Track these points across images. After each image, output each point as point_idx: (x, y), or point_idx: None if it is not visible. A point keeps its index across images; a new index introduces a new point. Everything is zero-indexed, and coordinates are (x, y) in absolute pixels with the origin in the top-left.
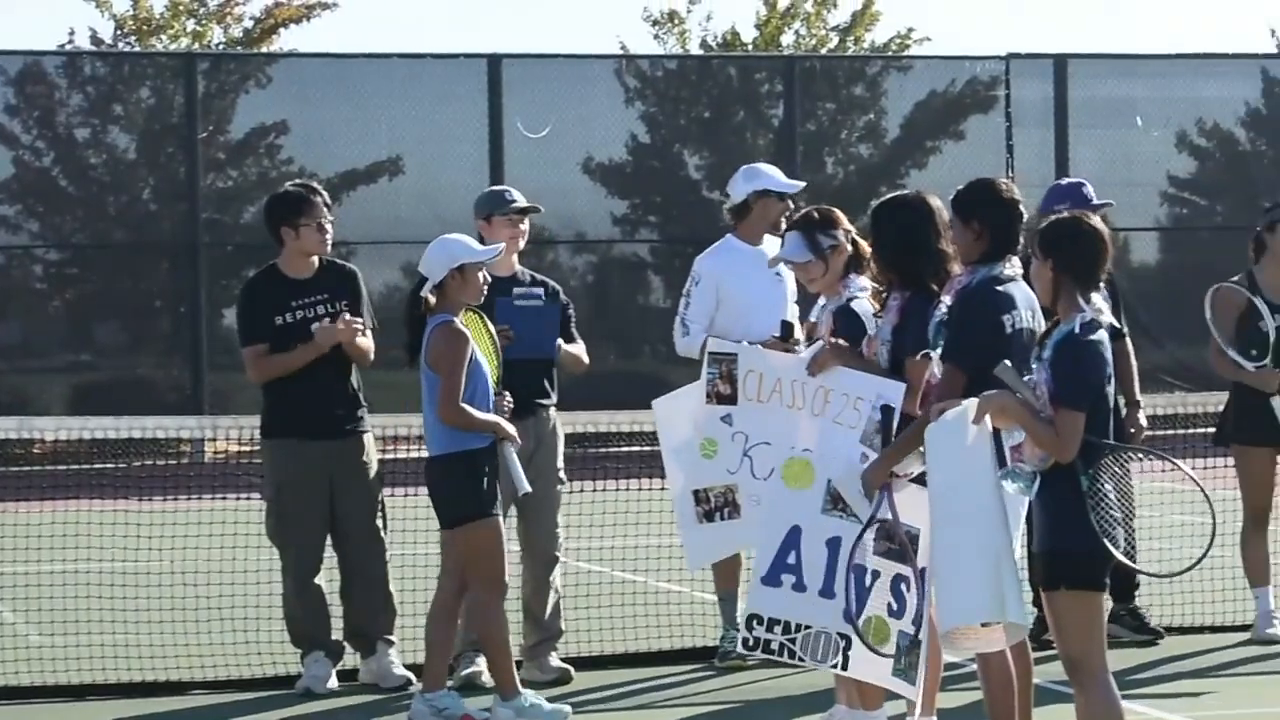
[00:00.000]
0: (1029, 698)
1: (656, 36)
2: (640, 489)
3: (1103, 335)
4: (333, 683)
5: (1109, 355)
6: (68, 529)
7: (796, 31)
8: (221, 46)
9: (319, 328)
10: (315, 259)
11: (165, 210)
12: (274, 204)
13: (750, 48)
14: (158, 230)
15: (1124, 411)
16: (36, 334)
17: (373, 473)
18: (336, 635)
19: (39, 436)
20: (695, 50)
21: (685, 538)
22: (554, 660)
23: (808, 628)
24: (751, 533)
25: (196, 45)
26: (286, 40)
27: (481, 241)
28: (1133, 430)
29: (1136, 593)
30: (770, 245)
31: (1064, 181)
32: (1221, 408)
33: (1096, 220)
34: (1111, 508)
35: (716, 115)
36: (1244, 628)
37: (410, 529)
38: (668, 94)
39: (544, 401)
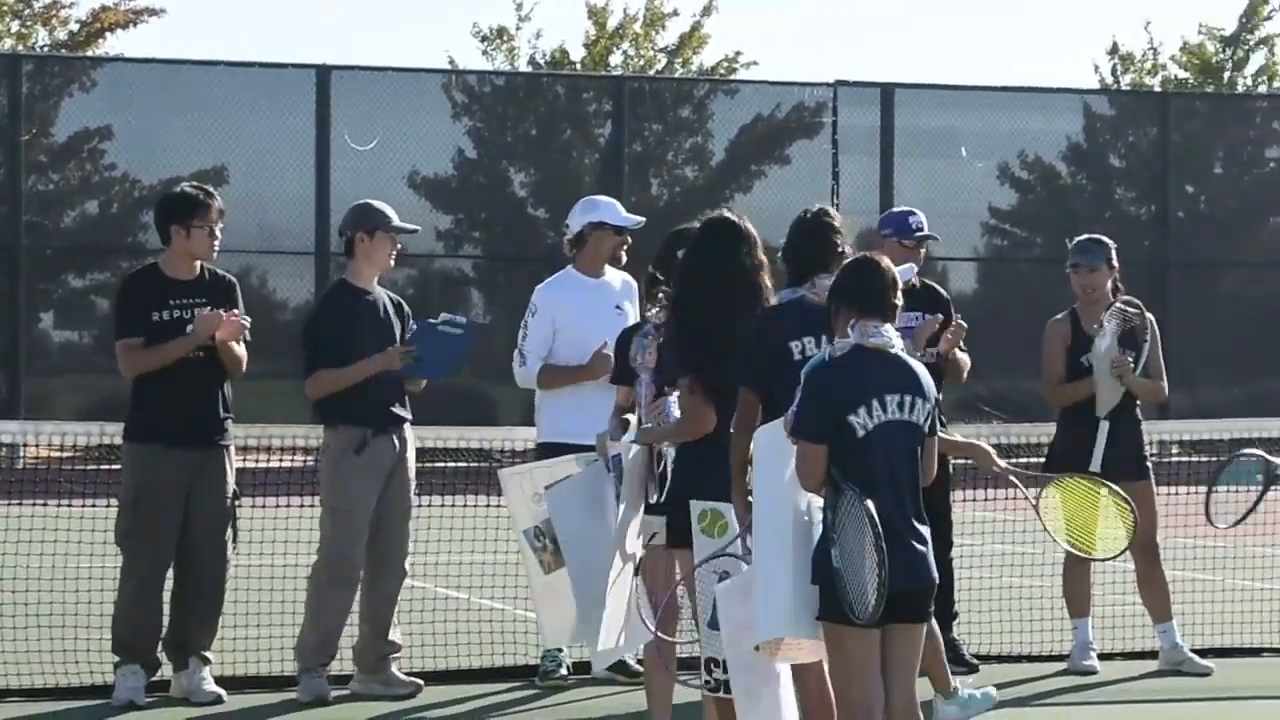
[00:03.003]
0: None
1: (485, 53)
2: (464, 505)
3: (859, 364)
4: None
5: (865, 385)
6: None
7: (625, 52)
8: (46, 48)
9: (200, 316)
10: (198, 263)
11: None
12: (169, 202)
13: (579, 67)
14: None
15: None
16: None
17: (230, 486)
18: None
19: None
20: (524, 67)
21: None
22: (401, 674)
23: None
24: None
25: (21, 46)
26: (113, 45)
27: (350, 254)
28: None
29: (955, 623)
30: (612, 276)
31: (896, 209)
32: (1042, 438)
33: (881, 256)
34: (853, 548)
35: (544, 133)
36: (1061, 658)
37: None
38: (495, 110)
39: (406, 416)
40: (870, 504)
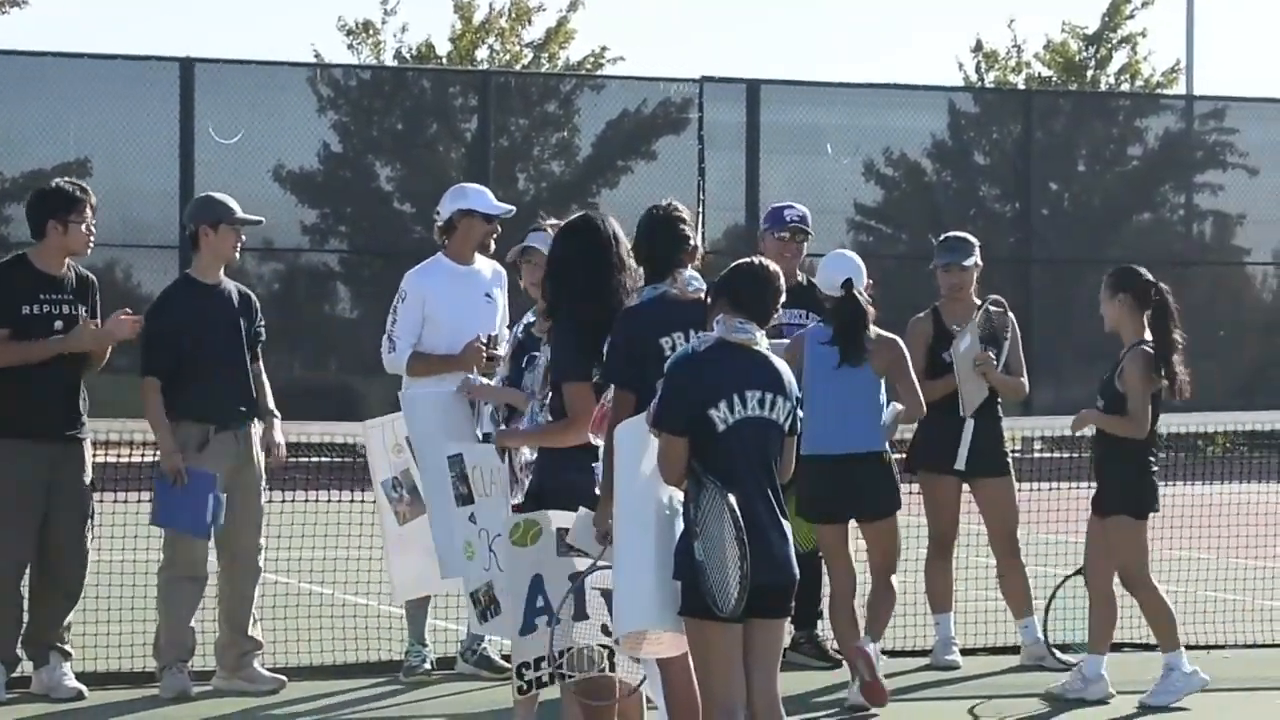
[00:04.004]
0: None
1: (351, 46)
2: (328, 500)
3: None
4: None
5: (726, 379)
6: None
7: (491, 46)
8: None
9: (88, 329)
10: (67, 260)
11: None
12: (46, 197)
13: (444, 61)
14: None
15: None
16: None
17: (88, 480)
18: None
19: None
20: (390, 61)
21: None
22: (263, 670)
23: (569, 649)
24: (512, 626)
25: None
26: None
27: (195, 248)
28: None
29: (819, 621)
30: (482, 264)
31: (777, 204)
32: (905, 434)
33: (769, 263)
34: (714, 542)
35: (409, 127)
36: (924, 653)
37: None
38: (361, 104)
39: (250, 413)
40: (731, 498)
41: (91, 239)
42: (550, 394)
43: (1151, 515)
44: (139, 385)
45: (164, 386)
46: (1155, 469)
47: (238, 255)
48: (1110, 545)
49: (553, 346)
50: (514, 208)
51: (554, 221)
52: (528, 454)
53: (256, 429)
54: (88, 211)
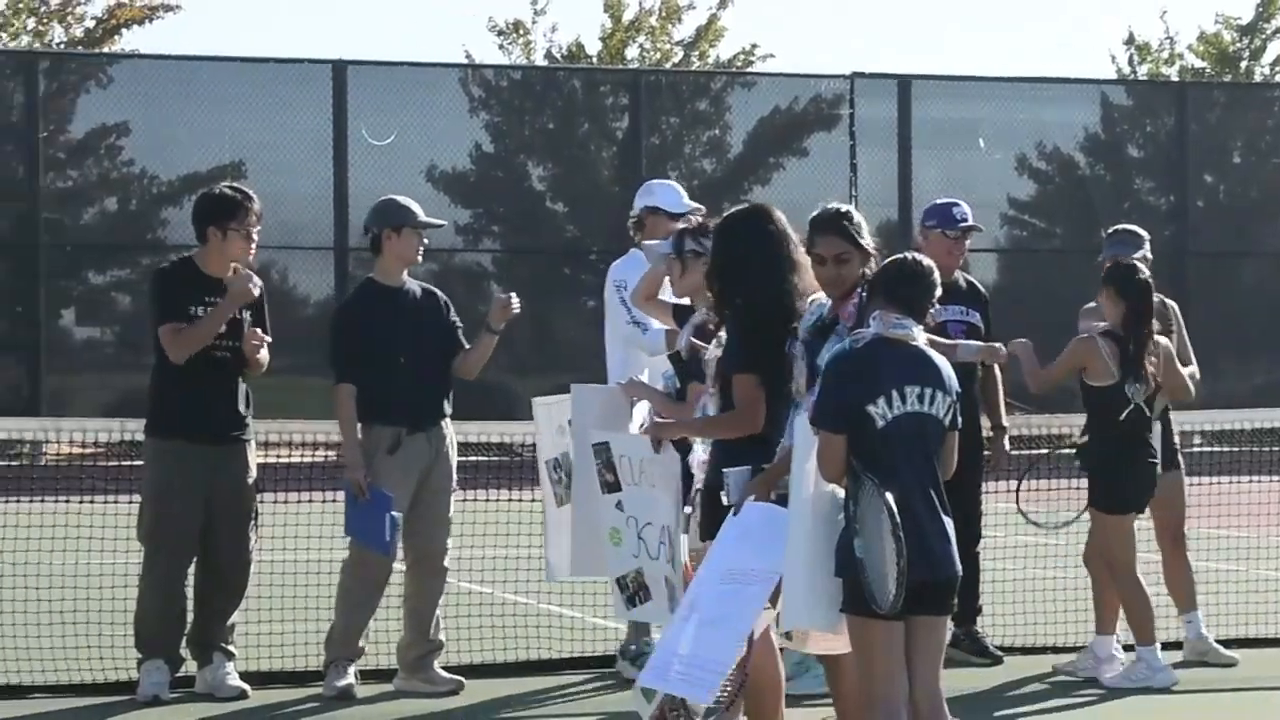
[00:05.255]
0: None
1: (502, 46)
2: (489, 500)
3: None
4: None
5: (884, 375)
6: None
7: (641, 45)
8: (62, 45)
9: (232, 278)
10: (232, 265)
11: (3, 209)
12: (207, 203)
13: (595, 60)
14: None
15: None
16: None
17: (251, 481)
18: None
19: None
20: (540, 61)
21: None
22: (442, 671)
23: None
24: (660, 614)
25: (37, 44)
26: (129, 41)
27: (377, 251)
28: (989, 454)
29: (979, 616)
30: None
31: (941, 200)
32: (1064, 429)
33: (924, 258)
34: (873, 539)
35: (560, 127)
36: (1082, 649)
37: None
38: (512, 104)
39: (444, 412)
40: (889, 494)
41: (252, 246)
42: (719, 386)
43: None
44: (332, 391)
45: (358, 391)
46: (1139, 465)
47: (420, 258)
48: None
49: (727, 339)
50: (702, 206)
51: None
52: (701, 453)
53: (449, 429)
54: (250, 219)
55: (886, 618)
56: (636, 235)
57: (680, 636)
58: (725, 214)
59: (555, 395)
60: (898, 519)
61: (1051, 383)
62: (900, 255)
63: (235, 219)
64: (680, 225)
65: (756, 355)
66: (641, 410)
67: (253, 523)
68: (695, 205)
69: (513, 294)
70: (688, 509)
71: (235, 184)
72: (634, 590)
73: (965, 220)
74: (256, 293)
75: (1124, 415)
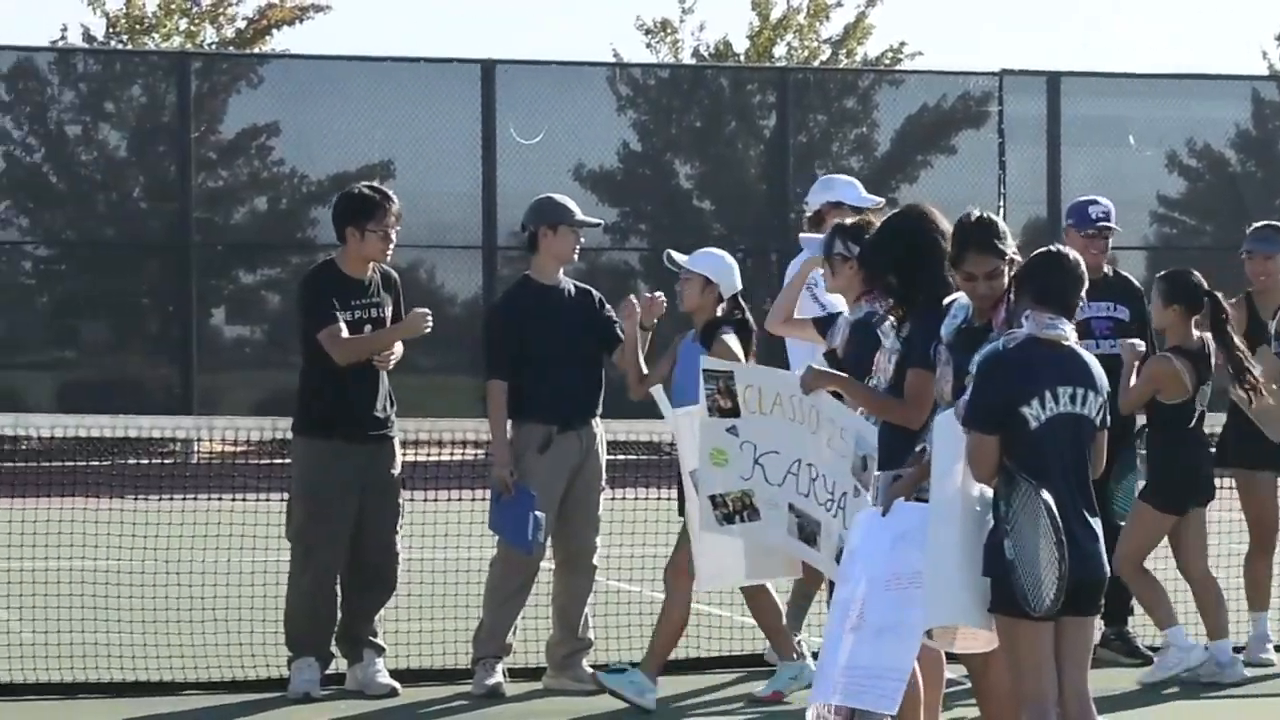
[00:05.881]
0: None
1: (649, 45)
2: (634, 498)
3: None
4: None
5: (1039, 376)
6: (61, 526)
7: (789, 43)
8: (214, 46)
9: (415, 312)
10: (371, 265)
11: (155, 209)
12: (345, 203)
13: (742, 58)
14: (148, 229)
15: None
16: (23, 330)
17: (398, 478)
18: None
19: (31, 433)
20: (688, 60)
21: (699, 558)
22: (590, 669)
23: None
24: (769, 534)
25: (189, 44)
26: (279, 41)
27: (534, 249)
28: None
29: (1130, 616)
30: None
31: (1081, 198)
32: (1217, 428)
33: (1069, 250)
34: (1026, 540)
35: (708, 125)
36: (1236, 650)
37: (417, 533)
38: (660, 103)
39: (595, 410)
40: (1047, 496)
41: (390, 246)
42: (891, 382)
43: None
44: (485, 387)
45: (510, 388)
46: (1191, 468)
47: (576, 256)
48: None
49: (911, 332)
50: (882, 200)
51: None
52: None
53: (599, 427)
54: (388, 218)
55: (1036, 618)
56: (813, 229)
57: (849, 649)
58: (898, 212)
59: (693, 405)
60: (1059, 521)
61: (1132, 406)
62: (1045, 249)
63: (373, 219)
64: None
65: (932, 351)
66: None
67: (400, 518)
68: (877, 200)
69: (659, 292)
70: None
71: (374, 184)
72: (735, 509)
73: (1101, 219)
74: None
75: (1192, 424)
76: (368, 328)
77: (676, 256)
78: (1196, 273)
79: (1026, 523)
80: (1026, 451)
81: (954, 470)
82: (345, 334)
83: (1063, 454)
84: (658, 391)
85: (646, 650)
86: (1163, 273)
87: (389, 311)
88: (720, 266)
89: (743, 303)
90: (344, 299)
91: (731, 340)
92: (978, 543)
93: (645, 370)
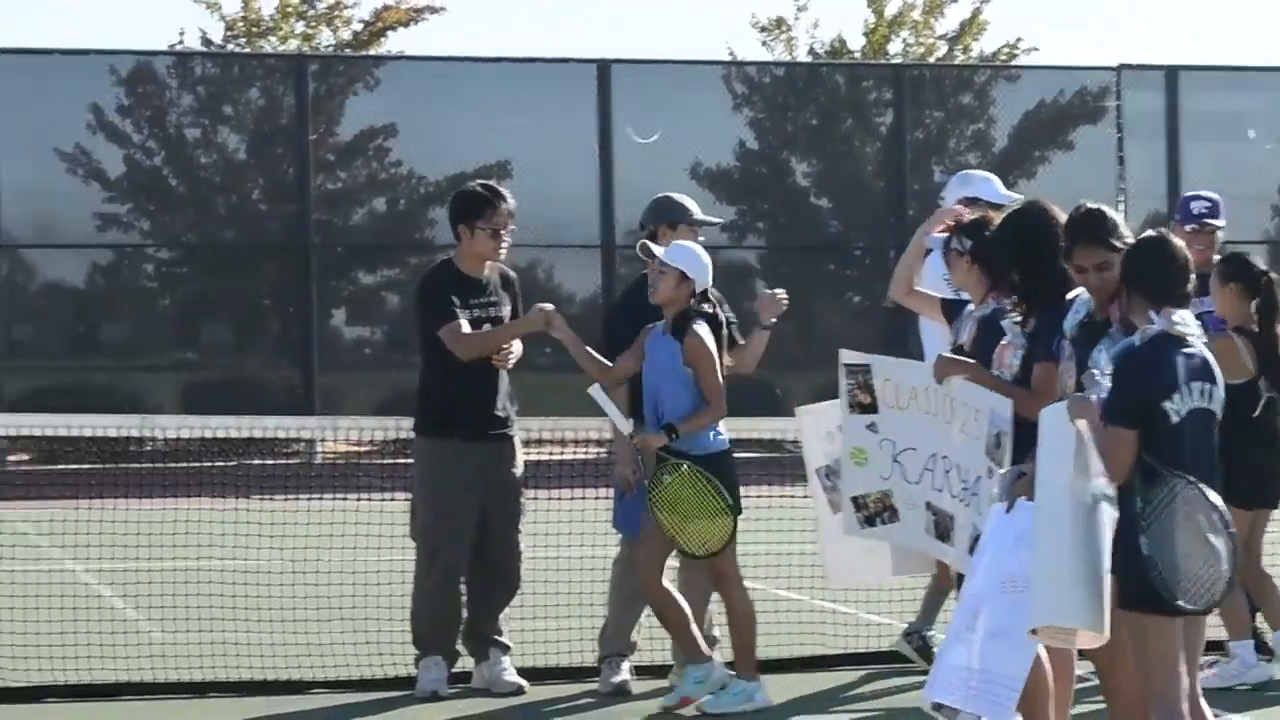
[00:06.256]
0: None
1: (764, 43)
2: (758, 496)
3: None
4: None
5: (1177, 371)
6: (188, 526)
7: (904, 40)
8: (330, 48)
9: (537, 307)
10: (488, 263)
11: (274, 211)
12: (457, 201)
13: (858, 55)
14: (267, 231)
15: None
16: (146, 333)
17: (520, 476)
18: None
19: (157, 434)
20: (803, 57)
21: (827, 554)
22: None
23: None
24: (909, 535)
25: (306, 47)
26: (395, 43)
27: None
28: None
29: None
30: None
31: (1188, 193)
32: None
33: (1172, 237)
34: (1166, 535)
35: (824, 122)
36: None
37: (540, 532)
38: (775, 100)
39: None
40: (1194, 490)
41: (503, 244)
42: (1016, 376)
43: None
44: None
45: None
46: (1272, 460)
47: None
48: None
49: (1036, 327)
50: (1021, 196)
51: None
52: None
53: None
54: (498, 216)
55: (1168, 614)
56: None
57: (967, 649)
58: (1018, 209)
59: (819, 403)
60: (1212, 516)
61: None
62: (1144, 237)
63: (483, 217)
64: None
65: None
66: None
67: (521, 516)
68: (1014, 195)
69: (780, 289)
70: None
71: (489, 182)
72: (876, 510)
73: (1202, 215)
74: (556, 329)
75: (1258, 410)
76: (485, 326)
77: (653, 248)
78: (1258, 258)
79: (1167, 518)
80: (1167, 446)
81: (1062, 466)
82: (466, 329)
83: (1198, 448)
84: (596, 390)
85: (734, 657)
86: (1221, 255)
87: (506, 311)
88: (696, 263)
89: (713, 297)
90: (462, 297)
91: (703, 330)
92: (1088, 539)
93: (607, 363)
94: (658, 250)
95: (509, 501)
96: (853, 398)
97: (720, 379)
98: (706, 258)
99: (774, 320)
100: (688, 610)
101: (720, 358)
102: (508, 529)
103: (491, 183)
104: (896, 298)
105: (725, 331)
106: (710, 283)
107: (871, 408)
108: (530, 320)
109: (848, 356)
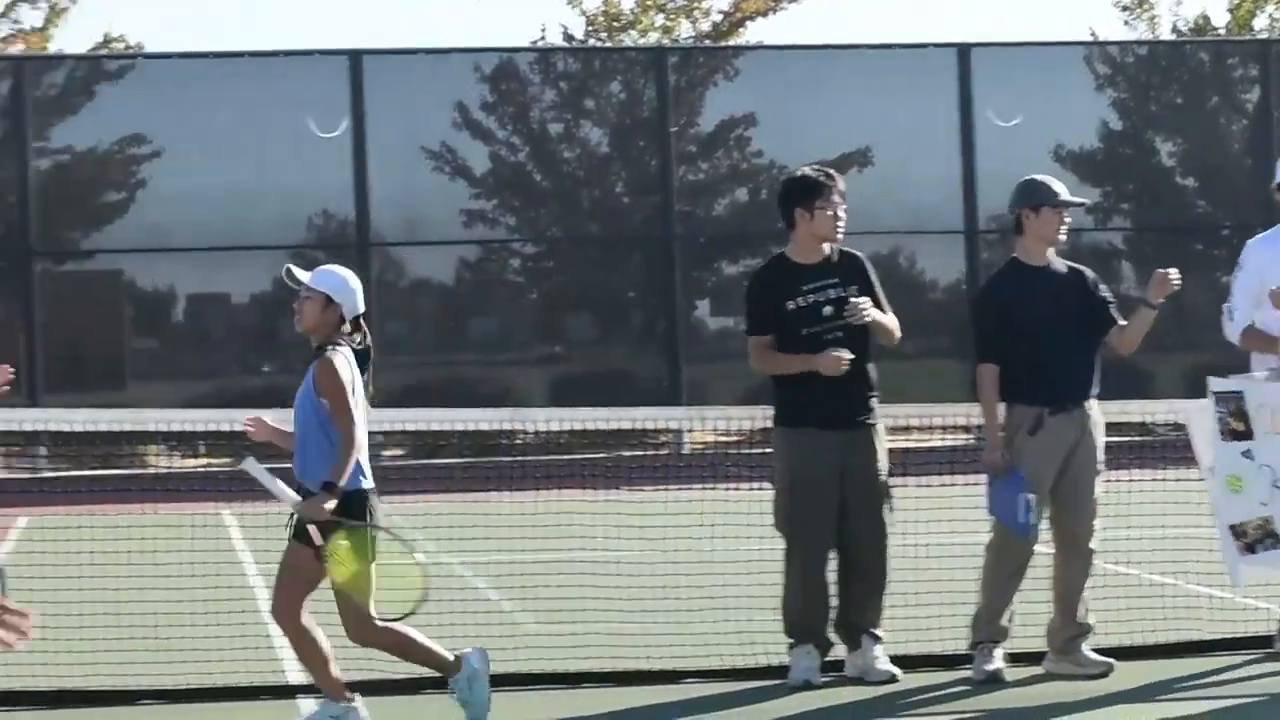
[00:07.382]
0: None
1: (1126, 22)
2: (1130, 480)
3: None
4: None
5: None
6: (560, 518)
7: (1270, 14)
8: (690, 40)
9: (830, 357)
10: (825, 245)
11: (637, 203)
12: (789, 186)
13: (1222, 31)
14: (630, 223)
15: None
16: (514, 327)
17: (882, 463)
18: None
19: (528, 427)
20: (1166, 35)
21: (1228, 561)
22: (1092, 654)
23: None
24: None
25: (665, 39)
26: (753, 33)
27: (1019, 232)
28: None
29: None
30: None
31: None
32: None
33: None
34: None
35: (1189, 101)
36: None
37: (910, 519)
38: (1138, 80)
39: (1090, 392)
40: None
41: (840, 224)
42: None
43: None
44: (976, 371)
45: (1000, 371)
46: None
47: (1062, 237)
48: None
49: None
50: None
51: None
52: None
53: (1095, 409)
54: (834, 196)
55: None
56: None
57: None
58: None
59: (1202, 400)
60: None
61: None
62: None
63: (820, 196)
64: None
65: None
66: None
67: (887, 505)
68: None
69: (1172, 269)
70: None
71: (818, 165)
72: (1256, 538)
73: None
74: (843, 368)
75: None
76: (827, 309)
77: (297, 273)
78: None
79: None
80: None
81: None
82: (767, 344)
83: None
84: (250, 463)
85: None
86: None
87: (853, 291)
88: (344, 287)
89: (365, 327)
90: (794, 287)
91: (337, 358)
92: None
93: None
94: (302, 275)
95: (870, 491)
96: (1224, 425)
97: (352, 409)
98: (356, 282)
99: (1161, 300)
100: (327, 648)
101: (357, 390)
102: (870, 518)
103: (820, 165)
104: (1234, 340)
105: (371, 367)
106: (362, 308)
107: (1246, 434)
108: (821, 362)
109: (1217, 384)
